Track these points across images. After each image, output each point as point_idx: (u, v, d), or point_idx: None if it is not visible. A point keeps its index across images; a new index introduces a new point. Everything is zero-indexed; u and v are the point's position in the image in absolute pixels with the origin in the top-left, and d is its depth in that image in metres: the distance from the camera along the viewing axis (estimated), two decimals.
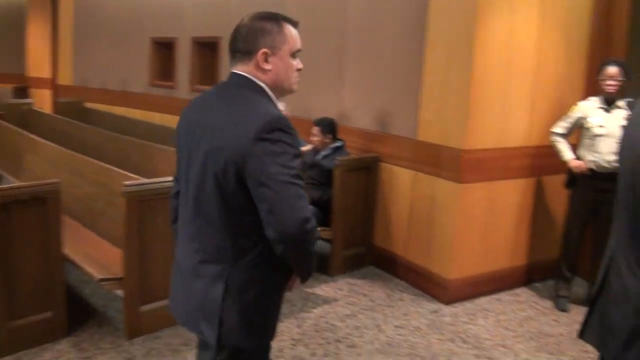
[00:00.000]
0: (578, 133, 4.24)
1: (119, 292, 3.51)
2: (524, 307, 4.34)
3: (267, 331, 1.95)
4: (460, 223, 4.17)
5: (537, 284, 4.73)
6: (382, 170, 4.78)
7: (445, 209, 4.23)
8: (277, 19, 1.88)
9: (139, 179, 3.64)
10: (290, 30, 1.88)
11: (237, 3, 6.30)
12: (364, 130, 4.94)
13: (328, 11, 5.19)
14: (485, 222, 4.30)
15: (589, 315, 1.90)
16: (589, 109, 4.15)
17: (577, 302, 4.42)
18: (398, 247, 4.67)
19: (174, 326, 3.58)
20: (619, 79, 4.04)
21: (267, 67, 1.85)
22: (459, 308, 4.22)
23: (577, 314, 4.24)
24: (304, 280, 1.97)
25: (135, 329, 3.52)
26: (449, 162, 4.16)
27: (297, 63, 1.92)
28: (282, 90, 1.92)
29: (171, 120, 7.06)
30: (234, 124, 1.75)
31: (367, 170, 4.77)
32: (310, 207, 1.85)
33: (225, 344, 1.87)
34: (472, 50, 3.95)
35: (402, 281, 4.62)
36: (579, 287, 4.59)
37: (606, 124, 4.06)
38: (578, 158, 4.18)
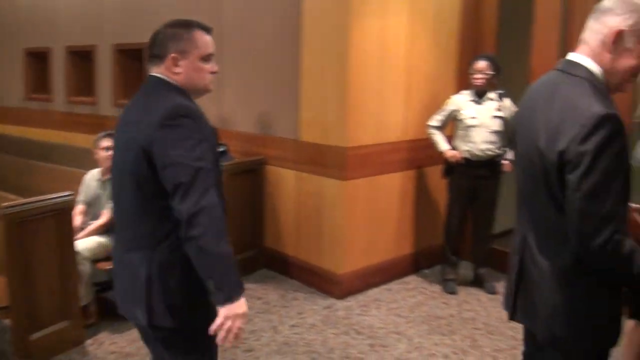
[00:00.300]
0: (453, 125, 4.45)
1: (7, 322, 3.34)
2: (414, 293, 4.51)
3: (197, 311, 1.96)
4: (347, 219, 4.26)
5: (426, 271, 4.93)
6: (267, 173, 4.80)
7: (331, 206, 4.31)
8: (188, 25, 1.99)
9: (17, 199, 3.47)
10: (201, 35, 1.99)
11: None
12: (247, 133, 4.93)
13: (202, 12, 5.11)
14: (370, 216, 4.42)
15: (515, 298, 1.99)
16: (462, 102, 4.36)
17: (464, 283, 4.66)
18: (289, 248, 4.71)
19: (67, 351, 3.47)
20: (488, 72, 4.27)
21: (177, 70, 1.96)
22: (352, 301, 4.32)
23: (465, 295, 4.47)
24: (225, 296, 1.80)
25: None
26: (332, 160, 4.23)
27: (210, 66, 2.02)
28: (194, 90, 2.02)
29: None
30: (146, 116, 1.87)
31: (253, 174, 4.77)
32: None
33: (157, 325, 1.95)
34: (347, 50, 4.04)
35: (295, 281, 4.66)
36: (465, 269, 4.83)
37: (478, 115, 4.28)
38: (453, 148, 4.39)
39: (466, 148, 4.32)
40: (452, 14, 4.77)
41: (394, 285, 4.65)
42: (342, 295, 4.34)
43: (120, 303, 2.07)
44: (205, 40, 2.00)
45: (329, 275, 4.38)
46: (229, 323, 1.80)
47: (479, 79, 4.28)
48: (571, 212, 1.66)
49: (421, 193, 4.79)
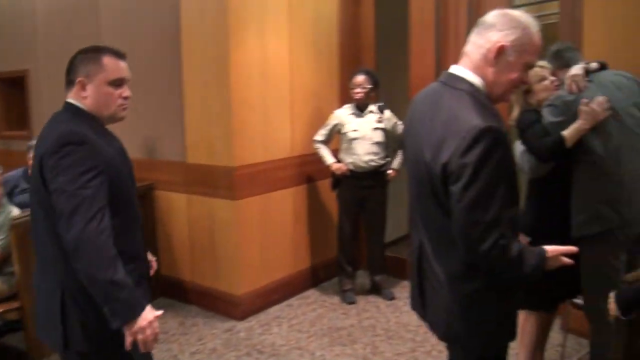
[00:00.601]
0: (339, 138, 4.56)
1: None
2: (314, 307, 4.54)
3: (112, 334, 1.91)
4: (241, 239, 4.23)
5: (324, 284, 4.98)
6: (157, 198, 4.68)
7: (224, 227, 4.26)
8: (98, 50, 2.03)
9: None
10: (110, 59, 2.02)
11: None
12: (133, 158, 4.75)
13: (81, 38, 4.93)
14: (265, 234, 4.42)
15: (422, 300, 2.06)
16: (343, 116, 4.48)
17: (362, 292, 4.75)
18: (184, 273, 4.61)
19: None
20: (367, 86, 4.41)
21: (84, 94, 2.01)
22: (253, 321, 4.28)
23: (364, 304, 4.55)
24: (120, 321, 1.84)
25: None
26: (221, 181, 4.20)
27: (121, 91, 2.05)
28: (106, 117, 2.06)
29: None
30: (43, 141, 1.93)
31: (142, 200, 4.61)
32: None
33: (72, 349, 1.96)
34: (227, 69, 4.03)
35: (194, 306, 4.55)
36: (362, 278, 4.92)
37: (359, 128, 4.41)
38: (339, 161, 4.48)
39: (350, 160, 4.43)
40: (330, 31, 4.89)
41: (294, 300, 4.66)
42: (242, 316, 4.29)
43: (38, 329, 2.07)
44: (115, 65, 2.02)
45: (228, 297, 4.32)
46: (140, 336, 1.86)
47: (358, 92, 4.42)
48: (456, 222, 1.73)
49: (313, 207, 4.85)
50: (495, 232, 1.68)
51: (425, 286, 2.01)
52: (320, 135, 4.52)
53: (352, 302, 4.57)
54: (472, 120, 1.70)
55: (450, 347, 2.04)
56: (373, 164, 4.42)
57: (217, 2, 4.04)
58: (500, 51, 1.78)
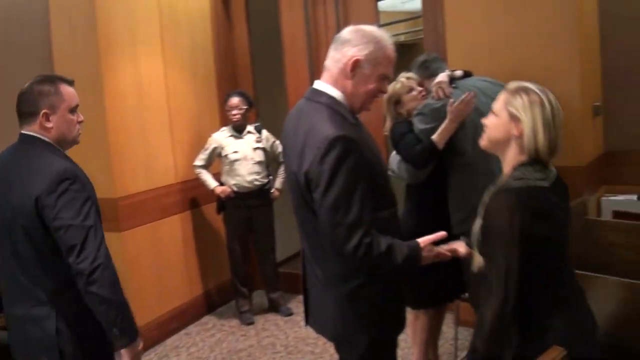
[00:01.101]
0: (220, 161, 4.56)
1: None
2: (212, 332, 4.49)
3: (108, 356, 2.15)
4: (132, 270, 4.11)
5: (222, 307, 4.93)
6: None
7: (113, 261, 4.11)
8: (53, 80, 2.11)
9: None
10: (66, 88, 2.12)
11: None
12: None
13: None
14: (156, 264, 4.32)
15: (306, 306, 2.21)
16: (222, 138, 4.49)
17: (260, 312, 4.76)
18: None
19: None
20: (242, 107, 4.46)
21: (49, 125, 2.08)
22: (151, 354, 4.17)
23: (263, 323, 4.57)
24: (128, 339, 2.00)
25: None
26: (105, 213, 3.96)
27: (77, 117, 2.16)
28: (66, 143, 2.16)
29: None
30: (31, 179, 1.99)
31: None
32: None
33: None
34: (102, 97, 3.91)
35: None
36: (259, 297, 4.93)
37: (239, 149, 4.44)
38: (222, 184, 4.49)
39: (234, 182, 4.44)
40: (206, 55, 4.91)
41: (192, 328, 4.59)
42: None
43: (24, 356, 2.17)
44: (70, 92, 2.14)
45: None
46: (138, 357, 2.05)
47: (235, 114, 4.46)
48: (322, 225, 1.84)
49: (202, 232, 4.80)
50: (358, 232, 1.79)
51: (311, 291, 2.12)
52: (199, 160, 4.50)
53: (250, 323, 4.56)
54: (326, 130, 1.82)
55: (339, 349, 2.12)
56: (257, 183, 4.47)
57: (85, 23, 3.93)
58: (356, 65, 1.91)
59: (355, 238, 1.78)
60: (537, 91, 1.81)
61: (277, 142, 4.59)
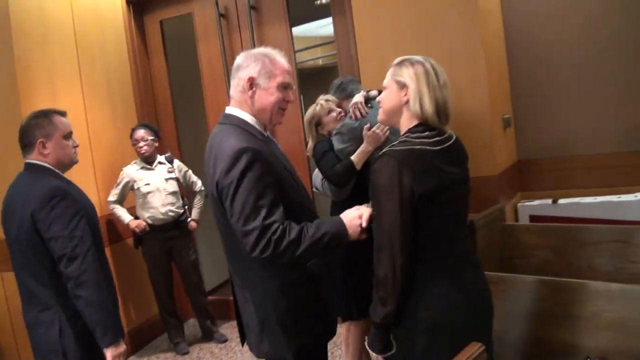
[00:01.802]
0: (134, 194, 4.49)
1: None
2: None
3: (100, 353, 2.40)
4: None
5: (156, 340, 4.86)
6: None
7: None
8: (46, 114, 2.48)
9: None
10: (59, 119, 2.49)
11: None
12: None
13: None
14: None
15: (239, 325, 2.31)
16: (132, 172, 4.43)
17: (195, 341, 4.72)
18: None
19: None
20: (149, 138, 4.43)
21: (46, 151, 2.45)
22: None
23: (198, 351, 4.53)
24: (110, 339, 2.31)
25: None
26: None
27: (72, 142, 2.53)
28: (64, 165, 2.52)
29: None
30: (28, 199, 2.33)
31: None
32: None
33: None
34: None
35: None
36: (192, 326, 4.88)
37: (151, 181, 4.41)
38: (137, 217, 4.44)
39: (148, 215, 4.39)
40: (125, 88, 4.87)
41: None
42: None
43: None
44: (63, 122, 2.50)
45: None
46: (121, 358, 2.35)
47: (143, 147, 4.41)
48: (236, 232, 1.95)
49: (122, 269, 4.60)
50: (267, 234, 1.89)
51: (242, 309, 2.19)
52: (113, 196, 4.42)
53: (185, 353, 4.51)
54: (232, 144, 1.95)
55: None
56: (172, 214, 4.43)
57: (3, 62, 3.86)
58: (252, 82, 2.08)
59: (264, 240, 1.88)
60: (420, 59, 1.97)
61: (190, 171, 4.60)
